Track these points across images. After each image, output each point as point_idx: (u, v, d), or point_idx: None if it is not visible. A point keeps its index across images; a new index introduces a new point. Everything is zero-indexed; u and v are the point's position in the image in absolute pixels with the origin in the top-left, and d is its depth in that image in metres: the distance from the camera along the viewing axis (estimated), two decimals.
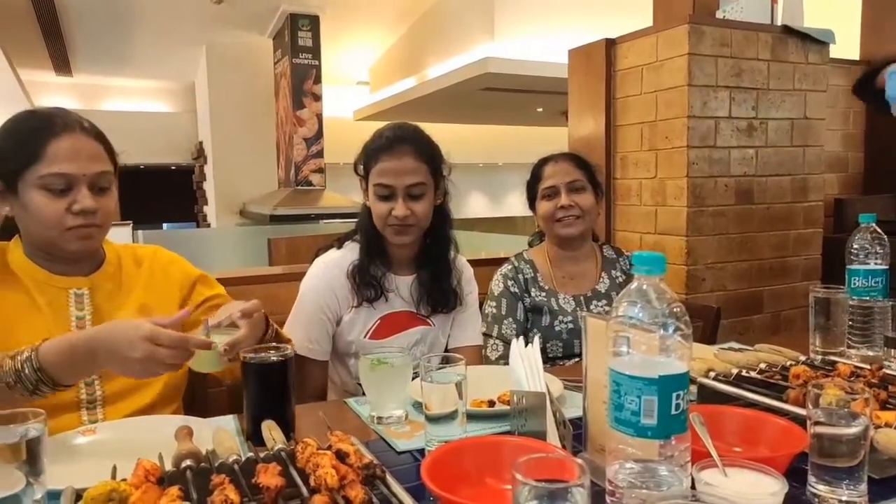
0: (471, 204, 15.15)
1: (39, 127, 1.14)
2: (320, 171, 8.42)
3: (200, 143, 10.84)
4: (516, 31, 6.69)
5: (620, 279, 1.85)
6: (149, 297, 1.29)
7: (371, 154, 1.49)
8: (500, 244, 6.74)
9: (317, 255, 1.62)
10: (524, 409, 0.95)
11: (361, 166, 1.53)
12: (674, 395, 0.66)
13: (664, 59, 2.44)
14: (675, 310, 0.67)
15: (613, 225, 2.70)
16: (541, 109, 10.21)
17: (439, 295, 1.59)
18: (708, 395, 1.12)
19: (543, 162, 1.84)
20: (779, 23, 2.53)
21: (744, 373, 1.18)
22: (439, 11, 7.94)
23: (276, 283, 2.18)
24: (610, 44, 2.66)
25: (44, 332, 1.15)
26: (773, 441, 0.90)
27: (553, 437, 0.90)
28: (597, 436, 0.91)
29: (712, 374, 1.18)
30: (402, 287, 1.58)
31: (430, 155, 1.51)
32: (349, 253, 1.56)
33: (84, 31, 8.47)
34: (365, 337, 1.54)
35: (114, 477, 0.80)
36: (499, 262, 2.01)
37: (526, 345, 1.03)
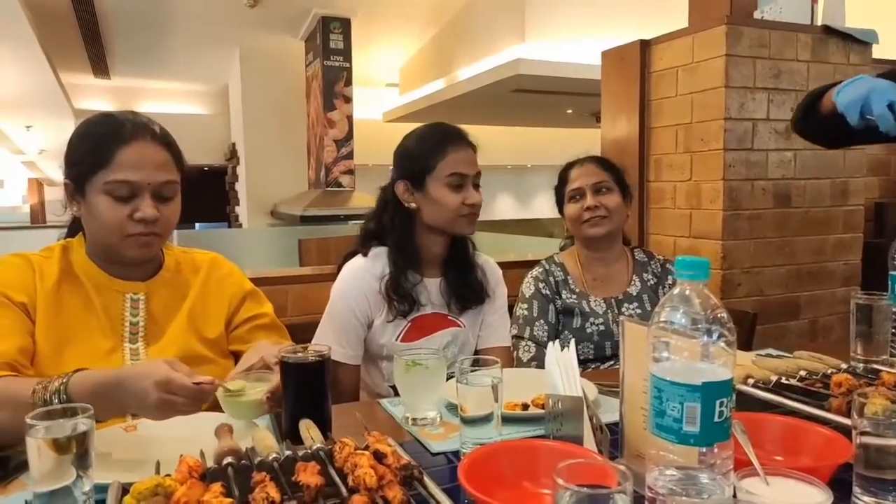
0: (499, 206, 15.12)
1: (109, 133, 1.16)
2: (350, 172, 8.49)
3: (233, 144, 11.02)
4: (547, 33, 6.66)
5: (652, 282, 1.84)
6: (199, 304, 1.30)
7: (437, 147, 1.52)
8: (528, 246, 6.72)
9: (344, 262, 1.63)
10: (560, 412, 0.95)
11: (414, 166, 1.53)
12: (717, 402, 0.65)
13: (700, 60, 2.40)
14: (719, 316, 0.66)
15: (647, 228, 2.67)
16: (571, 111, 10.15)
17: (468, 291, 1.62)
18: (746, 403, 1.10)
19: (569, 165, 1.86)
20: (819, 23, 2.48)
21: (783, 380, 1.16)
22: (470, 13, 7.95)
23: (308, 283, 2.21)
24: (644, 45, 2.64)
25: (98, 334, 1.18)
26: (817, 450, 0.88)
27: (590, 441, 0.90)
28: (634, 442, 0.91)
29: (751, 381, 1.16)
30: (431, 290, 1.59)
31: (475, 146, 1.58)
32: (378, 259, 1.57)
33: (122, 35, 8.68)
34: (396, 340, 1.55)
35: (158, 472, 0.82)
36: (526, 264, 2.02)
37: (562, 348, 1.02)
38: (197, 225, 12.00)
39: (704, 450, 0.67)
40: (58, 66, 8.33)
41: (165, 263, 1.30)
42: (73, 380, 0.98)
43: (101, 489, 0.79)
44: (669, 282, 1.85)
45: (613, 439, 0.93)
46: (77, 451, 0.75)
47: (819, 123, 1.53)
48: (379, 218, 1.61)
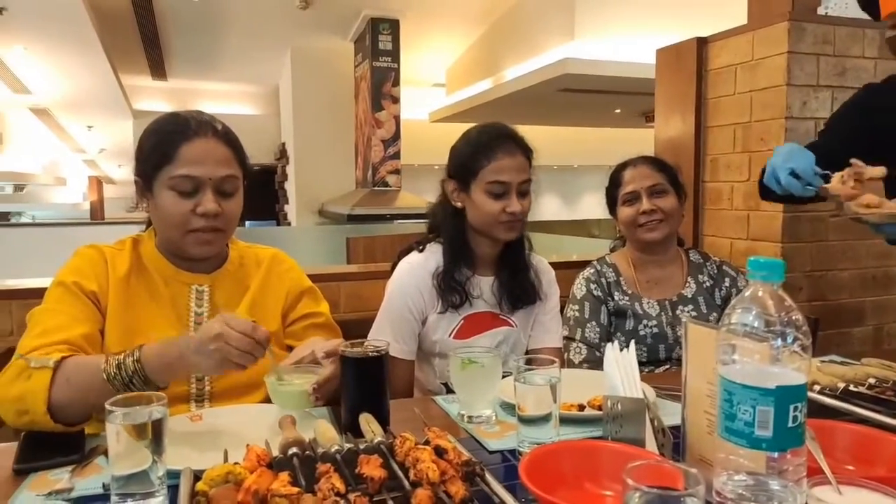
0: (544, 206, 15.01)
1: (175, 130, 1.20)
2: (396, 172, 8.56)
3: (283, 144, 11.24)
4: (597, 31, 6.57)
5: (708, 284, 1.79)
6: (260, 297, 1.34)
7: (481, 152, 1.50)
8: (574, 247, 6.64)
9: (399, 258, 1.65)
10: (619, 414, 0.94)
11: (461, 167, 1.53)
12: (791, 407, 0.64)
13: (760, 57, 2.34)
14: (793, 318, 0.64)
15: (701, 230, 2.61)
16: (619, 111, 10.00)
17: (519, 291, 1.61)
18: (812, 410, 1.06)
19: (622, 167, 1.81)
20: None
21: (851, 387, 1.12)
22: (518, 12, 7.92)
23: (357, 280, 2.24)
24: (701, 43, 2.58)
25: (165, 324, 1.23)
26: (892, 460, 0.85)
27: (651, 444, 0.89)
28: (696, 446, 0.89)
29: (817, 387, 1.12)
30: (484, 288, 1.59)
31: (531, 153, 1.54)
32: (432, 255, 1.59)
33: (179, 38, 8.96)
34: (449, 336, 1.56)
35: (226, 460, 0.85)
36: (572, 265, 1.99)
37: (621, 350, 1.01)
38: (247, 223, 12.32)
39: (776, 455, 0.65)
40: (119, 68, 8.65)
41: (230, 257, 1.34)
42: (145, 345, 1.04)
43: (172, 475, 0.82)
44: (726, 284, 1.80)
45: (675, 443, 0.92)
46: (152, 436, 0.78)
47: (773, 194, 1.55)
48: (435, 211, 1.64)
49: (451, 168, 1.57)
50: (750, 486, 0.66)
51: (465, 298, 1.55)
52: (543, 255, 1.77)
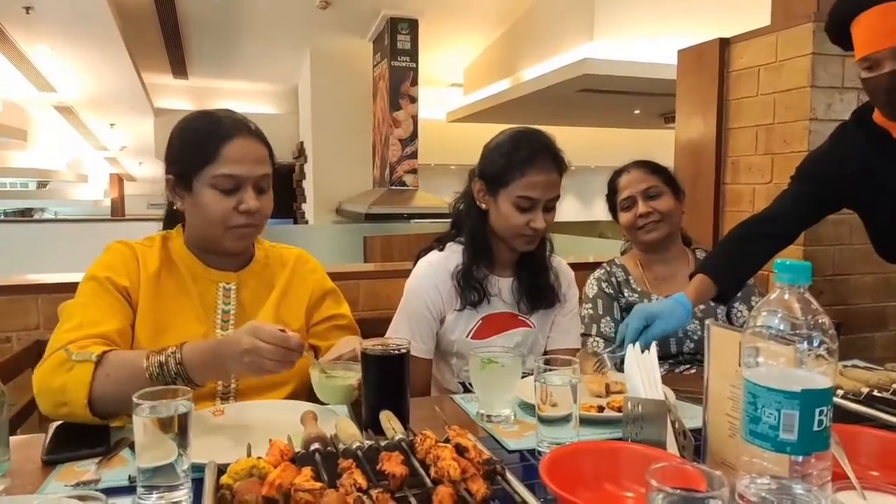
0: (560, 207, 14.91)
1: (215, 130, 1.21)
2: (413, 171, 8.57)
3: (301, 143, 11.31)
4: (617, 31, 6.53)
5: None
6: (284, 296, 1.36)
7: (516, 164, 1.47)
8: (591, 248, 6.61)
9: (419, 257, 1.65)
10: (640, 416, 0.93)
11: (492, 173, 1.51)
12: (817, 410, 0.63)
13: (784, 59, 2.31)
14: (820, 322, 0.64)
15: (721, 232, 2.59)
16: (638, 111, 9.93)
17: (537, 292, 1.61)
18: (836, 415, 1.05)
19: (617, 174, 1.87)
20: None
21: (875, 392, 1.11)
22: (537, 13, 7.89)
23: (375, 279, 2.25)
24: (724, 44, 2.56)
25: (193, 320, 1.24)
26: None
27: (672, 446, 0.89)
28: (718, 449, 0.89)
29: (840, 392, 1.11)
30: (503, 288, 1.59)
31: (564, 165, 1.52)
32: (452, 254, 1.59)
33: (200, 38, 9.04)
34: (467, 336, 1.56)
35: (249, 454, 0.86)
36: (586, 266, 2.00)
37: (642, 351, 1.01)
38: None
39: (800, 459, 0.65)
40: (141, 67, 8.76)
41: (256, 256, 1.36)
42: (186, 344, 1.07)
43: (195, 468, 0.83)
44: None
45: (696, 445, 0.92)
46: (178, 430, 0.79)
47: None
48: (459, 206, 1.64)
49: (481, 169, 1.55)
50: (773, 489, 0.66)
51: (484, 297, 1.55)
52: (560, 257, 1.78)
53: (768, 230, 1.57)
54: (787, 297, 0.66)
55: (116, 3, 6.45)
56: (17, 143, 11.04)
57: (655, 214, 1.75)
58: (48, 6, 6.12)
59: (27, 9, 6.03)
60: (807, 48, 2.22)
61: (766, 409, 0.65)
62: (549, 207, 1.51)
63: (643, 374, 0.97)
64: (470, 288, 1.54)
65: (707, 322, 0.90)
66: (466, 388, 1.54)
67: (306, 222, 10.68)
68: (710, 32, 2.67)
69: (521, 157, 1.47)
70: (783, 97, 2.33)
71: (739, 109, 2.52)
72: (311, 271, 1.43)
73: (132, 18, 7.42)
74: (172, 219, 1.36)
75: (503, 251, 1.58)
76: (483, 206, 1.55)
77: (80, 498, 0.62)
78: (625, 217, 1.81)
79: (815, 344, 0.64)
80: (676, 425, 0.90)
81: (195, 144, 1.22)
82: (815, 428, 0.64)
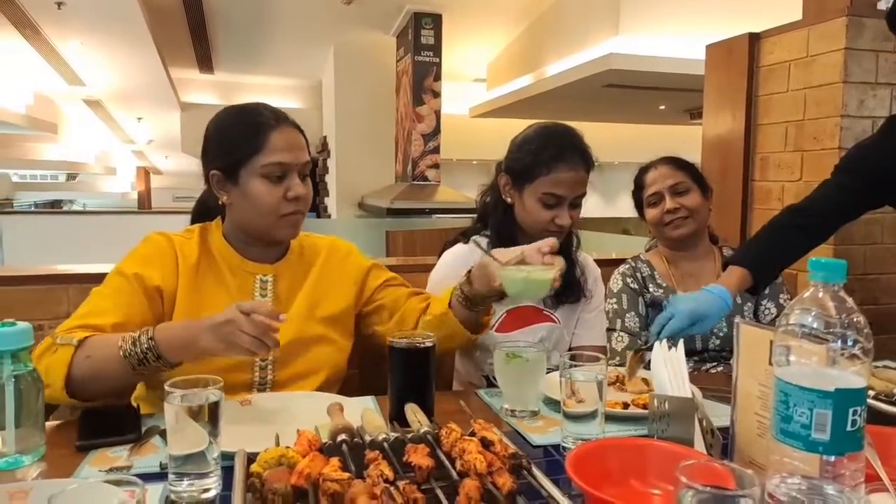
0: (583, 203, 14.81)
1: (258, 121, 1.24)
2: (436, 166, 8.57)
3: (324, 137, 11.37)
4: (642, 26, 6.46)
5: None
6: (320, 286, 1.37)
7: (542, 160, 1.47)
8: (614, 244, 6.54)
9: (444, 249, 1.66)
10: (666, 413, 0.93)
11: (519, 168, 1.51)
12: (850, 410, 0.62)
13: (816, 54, 2.27)
14: (855, 320, 0.63)
15: (749, 229, 2.56)
16: (663, 107, 9.82)
17: (563, 286, 1.59)
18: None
19: (644, 170, 1.85)
20: None
21: None
22: (562, 8, 7.83)
23: (397, 273, 2.25)
24: (753, 38, 2.52)
25: None
26: None
27: (699, 444, 0.88)
28: (746, 448, 0.88)
29: (871, 392, 1.09)
30: None
31: (592, 162, 1.52)
32: (476, 247, 1.59)
33: (226, 33, 9.13)
34: (491, 329, 1.56)
35: (277, 444, 0.87)
36: (610, 262, 1.99)
37: (669, 348, 1.00)
38: None
39: (832, 459, 0.64)
40: (168, 62, 8.87)
41: (291, 247, 1.38)
42: (161, 324, 1.09)
43: (224, 456, 0.85)
44: None
45: (723, 444, 0.91)
46: (209, 418, 0.81)
47: None
48: (485, 198, 1.65)
49: (507, 163, 1.56)
50: (804, 490, 0.65)
51: None
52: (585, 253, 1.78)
53: (806, 221, 1.54)
54: (821, 295, 0.65)
55: (145, 0, 6.54)
56: (48, 136, 11.25)
57: (683, 211, 1.74)
58: (79, 2, 6.22)
59: (59, 4, 6.14)
60: (839, 43, 2.17)
61: (799, 409, 0.64)
62: (576, 204, 1.51)
63: (670, 372, 0.96)
64: None
65: (736, 320, 0.89)
66: (489, 381, 1.55)
67: (329, 216, 10.75)
68: (739, 27, 2.63)
69: (549, 153, 1.46)
70: (814, 93, 2.28)
71: (769, 105, 2.48)
72: (346, 255, 1.44)
73: (160, 14, 7.52)
74: (203, 214, 1.37)
75: (526, 243, 1.58)
76: (509, 199, 1.55)
77: (118, 483, 0.63)
78: (651, 213, 1.79)
79: (850, 343, 0.63)
80: (704, 423, 0.89)
81: (241, 136, 1.23)
82: (849, 428, 0.63)
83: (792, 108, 2.38)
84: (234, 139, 1.24)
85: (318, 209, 11.76)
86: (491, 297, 1.26)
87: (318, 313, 1.34)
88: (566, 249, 1.62)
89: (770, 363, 0.84)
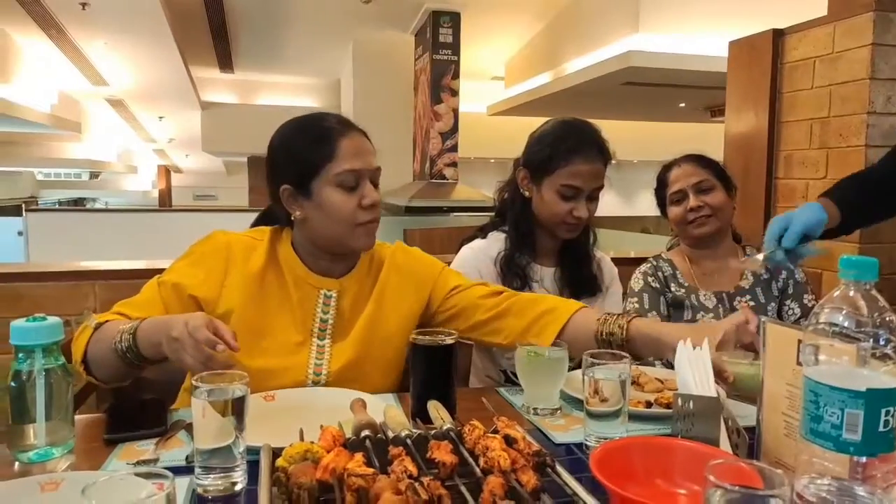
0: (600, 201, 14.69)
1: (326, 129, 1.20)
2: (454, 164, 8.56)
3: None
4: (662, 23, 6.40)
5: (765, 276, 1.78)
6: (384, 300, 1.31)
7: (561, 153, 1.48)
8: (632, 243, 6.50)
9: (462, 245, 1.67)
10: (691, 413, 0.92)
11: (537, 161, 1.53)
12: (883, 410, 0.61)
13: (842, 50, 2.24)
14: (887, 319, 0.62)
15: None
16: (683, 105, 9.72)
17: (581, 280, 1.62)
18: None
19: (667, 168, 1.83)
20: None
21: None
22: (580, 5, 7.78)
23: None
24: (777, 35, 2.48)
25: (291, 327, 1.23)
26: None
27: (725, 444, 0.87)
28: (773, 448, 0.87)
29: None
30: (545, 277, 1.61)
31: (609, 156, 1.53)
32: (494, 242, 1.62)
33: (246, 32, 9.20)
34: None
35: (302, 439, 0.88)
36: (628, 261, 1.98)
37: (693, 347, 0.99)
38: None
39: (864, 460, 0.63)
40: (189, 61, 8.96)
41: (360, 260, 1.32)
42: (149, 318, 1.09)
43: (249, 451, 0.85)
44: (783, 275, 1.80)
45: (748, 444, 0.90)
46: (235, 413, 0.82)
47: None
48: (502, 194, 1.66)
49: (526, 157, 1.57)
50: (834, 490, 0.65)
51: (526, 283, 1.57)
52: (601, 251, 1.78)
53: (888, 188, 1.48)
54: (852, 293, 0.64)
55: (167, 0, 6.61)
56: (71, 135, 11.43)
57: (706, 209, 1.73)
58: (103, 3, 6.31)
59: (83, 5, 6.24)
60: (866, 39, 2.14)
61: (829, 409, 0.63)
62: (593, 197, 1.53)
63: (694, 371, 0.96)
64: (512, 274, 1.56)
65: (762, 319, 0.88)
66: (507, 376, 1.55)
67: None
68: (760, 24, 2.60)
69: (567, 146, 1.48)
70: (840, 89, 2.25)
71: (793, 102, 2.45)
72: (414, 261, 1.38)
73: (181, 14, 7.60)
74: (264, 221, 1.34)
75: (546, 239, 1.60)
76: (527, 193, 1.57)
77: (148, 475, 0.64)
78: (674, 211, 1.78)
79: (882, 342, 0.62)
80: (730, 423, 0.89)
81: (309, 146, 1.20)
82: (881, 429, 0.62)
83: (817, 105, 2.34)
84: (303, 150, 1.20)
85: None
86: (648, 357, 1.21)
87: (381, 332, 1.28)
88: (583, 244, 1.63)
89: (798, 363, 0.83)
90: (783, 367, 0.85)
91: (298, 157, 1.21)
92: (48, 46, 7.95)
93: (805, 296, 1.76)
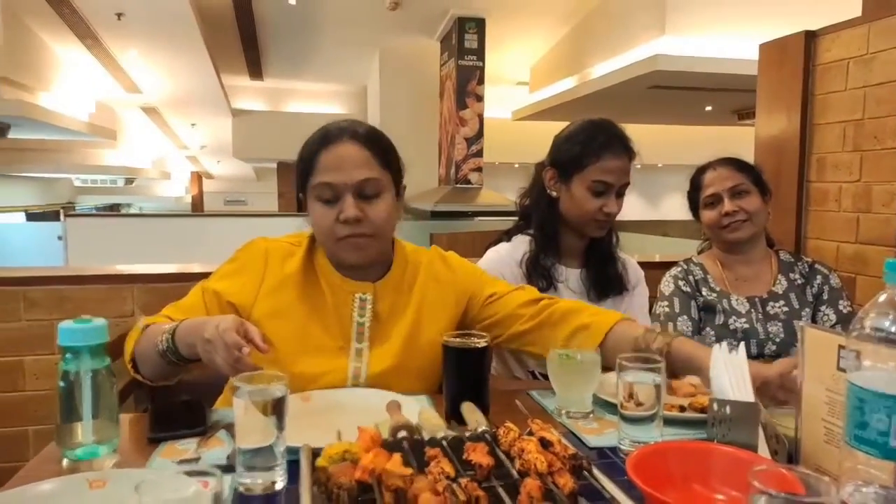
0: (625, 205, 14.51)
1: (316, 141, 1.21)
2: (479, 169, 8.59)
3: None
4: (689, 26, 6.35)
5: (800, 282, 1.77)
6: (425, 305, 1.30)
7: (591, 149, 1.51)
8: (657, 247, 6.43)
9: (488, 248, 1.69)
10: (728, 417, 0.91)
11: (567, 159, 1.55)
12: None
13: (877, 51, 2.20)
14: None
15: (805, 232, 2.49)
16: (710, 108, 9.61)
17: (606, 280, 1.63)
18: None
19: (702, 170, 1.81)
20: None
21: None
22: (606, 9, 7.76)
23: None
24: (810, 36, 2.45)
25: (329, 332, 1.24)
26: None
27: (763, 450, 0.86)
28: (812, 455, 0.86)
29: None
30: (571, 278, 1.63)
31: (634, 154, 1.56)
32: (519, 245, 1.63)
33: (276, 40, 9.35)
34: None
35: (339, 440, 0.89)
36: (655, 265, 1.97)
37: (729, 351, 0.99)
38: None
39: None
40: (220, 69, 9.13)
41: (395, 263, 1.30)
42: (183, 322, 1.10)
43: (288, 451, 0.87)
44: (818, 281, 1.77)
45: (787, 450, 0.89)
46: (276, 413, 0.83)
47: None
48: (527, 197, 1.68)
49: (553, 156, 1.59)
50: (880, 498, 0.64)
51: (551, 284, 1.58)
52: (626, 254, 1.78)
53: None
54: None
55: (199, 9, 6.75)
56: (107, 143, 11.71)
57: (742, 213, 1.71)
58: (138, 13, 6.47)
59: (119, 15, 6.40)
60: None
61: (875, 415, 0.63)
62: (621, 193, 1.56)
63: (731, 375, 0.95)
64: (538, 275, 1.58)
65: (801, 324, 0.87)
66: (534, 376, 1.57)
67: None
68: (788, 25, 2.57)
69: (598, 142, 1.51)
70: (875, 91, 2.21)
71: (826, 104, 2.41)
72: (455, 268, 1.36)
73: (213, 23, 7.75)
74: None
75: (571, 240, 1.62)
76: (554, 193, 1.59)
77: (196, 473, 0.66)
78: (708, 215, 1.76)
79: None
80: (768, 428, 0.88)
81: (301, 159, 1.23)
82: None
83: (850, 107, 2.30)
84: (299, 161, 1.24)
85: None
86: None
87: (421, 341, 1.27)
88: (607, 244, 1.63)
89: (839, 368, 0.82)
90: (822, 372, 0.84)
91: (296, 168, 1.25)
92: (85, 56, 8.18)
93: (840, 301, 1.73)
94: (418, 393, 1.23)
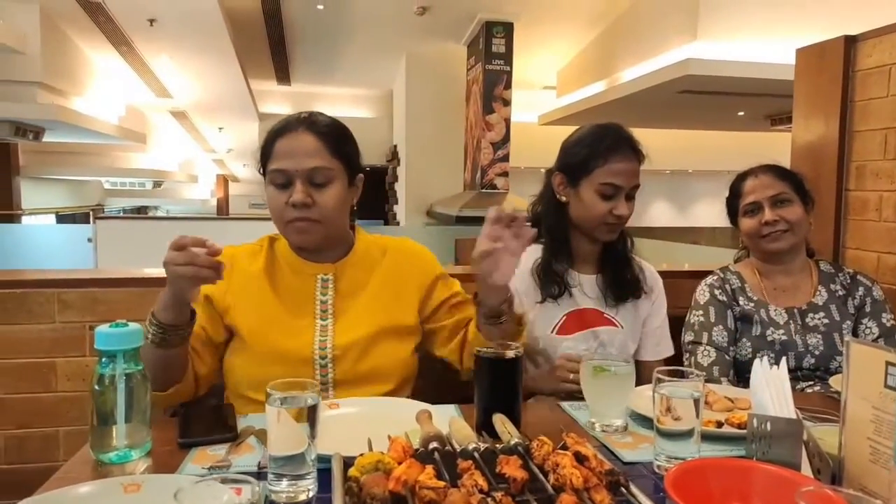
0: (653, 212, 14.43)
1: (276, 129, 1.30)
2: (504, 174, 8.56)
3: (395, 146, 11.56)
4: (722, 31, 6.26)
5: (841, 293, 1.71)
6: (385, 288, 1.36)
7: (599, 152, 1.50)
8: (686, 255, 6.33)
9: None
10: (767, 434, 0.89)
11: (575, 163, 1.54)
12: None
13: None
14: None
15: (843, 242, 2.42)
16: (742, 113, 9.46)
17: (623, 284, 1.61)
18: None
19: (742, 177, 1.76)
20: None
21: None
22: (636, 13, 7.69)
23: (468, 282, 2.25)
24: (849, 41, 2.39)
25: (295, 313, 1.31)
26: None
27: (806, 468, 0.84)
28: (857, 474, 0.83)
29: None
30: (586, 284, 1.61)
31: (642, 156, 1.55)
32: (530, 254, 1.60)
33: (303, 45, 9.45)
34: (551, 332, 1.57)
35: (370, 449, 0.89)
36: (684, 274, 1.93)
37: (771, 367, 0.96)
38: (356, 221, 12.78)
39: None
40: (248, 74, 9.26)
41: (355, 247, 1.39)
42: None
43: (319, 459, 0.87)
44: (860, 293, 1.71)
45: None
46: (308, 421, 0.83)
47: None
48: (536, 205, 1.66)
49: (561, 161, 1.58)
50: None
51: (564, 289, 1.56)
52: (652, 263, 1.75)
53: None
54: None
55: (229, 15, 6.85)
56: (137, 146, 11.94)
57: (782, 223, 1.65)
58: (169, 19, 6.59)
59: (151, 21, 6.53)
60: None
61: None
62: (630, 196, 1.54)
63: (772, 390, 0.92)
64: (550, 281, 1.56)
65: (847, 339, 0.84)
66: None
67: (397, 223, 10.90)
68: (822, 29, 2.51)
69: (605, 145, 1.50)
70: None
71: (866, 111, 2.35)
72: (413, 255, 1.44)
73: (242, 29, 7.86)
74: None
75: (583, 245, 1.60)
76: (563, 199, 1.57)
77: (233, 481, 0.66)
78: (748, 223, 1.71)
79: None
80: (810, 446, 0.85)
81: (262, 146, 1.31)
82: None
83: (892, 114, 2.24)
84: (261, 147, 1.31)
85: (386, 216, 11.95)
86: (502, 304, 1.26)
87: (384, 318, 1.33)
88: (621, 248, 1.61)
89: (886, 385, 0.79)
90: (868, 389, 0.82)
91: (259, 154, 1.32)
92: (117, 61, 8.35)
93: (884, 314, 1.67)
94: (392, 368, 1.31)
